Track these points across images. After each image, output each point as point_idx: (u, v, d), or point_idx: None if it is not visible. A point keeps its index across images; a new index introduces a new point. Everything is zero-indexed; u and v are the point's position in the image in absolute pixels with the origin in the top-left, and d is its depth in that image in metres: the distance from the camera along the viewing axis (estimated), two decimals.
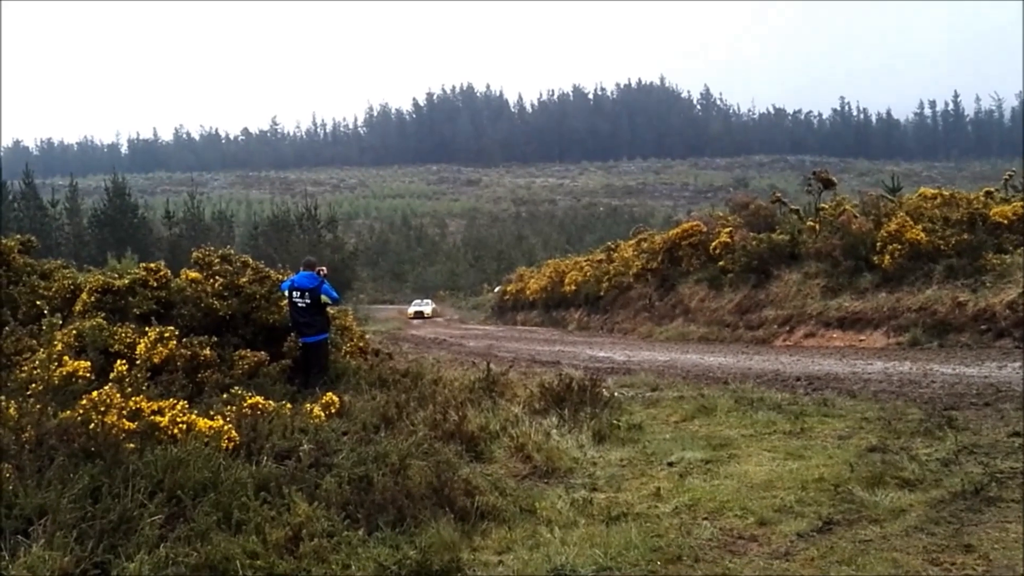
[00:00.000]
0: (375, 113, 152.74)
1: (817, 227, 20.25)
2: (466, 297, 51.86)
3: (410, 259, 68.94)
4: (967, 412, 7.12)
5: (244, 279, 9.68)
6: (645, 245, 25.94)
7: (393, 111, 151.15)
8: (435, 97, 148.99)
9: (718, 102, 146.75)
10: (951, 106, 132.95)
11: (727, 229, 22.27)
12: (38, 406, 5.13)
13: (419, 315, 45.27)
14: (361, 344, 11.31)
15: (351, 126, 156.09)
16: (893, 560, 3.94)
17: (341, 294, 30.41)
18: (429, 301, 49.15)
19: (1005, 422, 6.55)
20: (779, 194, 25.43)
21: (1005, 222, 16.79)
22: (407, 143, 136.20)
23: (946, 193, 19.28)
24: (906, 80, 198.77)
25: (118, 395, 5.43)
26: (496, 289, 45.03)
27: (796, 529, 4.50)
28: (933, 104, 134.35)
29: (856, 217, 19.33)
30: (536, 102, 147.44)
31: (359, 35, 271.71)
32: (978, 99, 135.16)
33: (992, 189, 19.43)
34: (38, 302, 8.55)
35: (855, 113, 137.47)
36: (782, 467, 5.75)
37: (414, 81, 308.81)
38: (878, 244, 17.70)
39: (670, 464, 6.14)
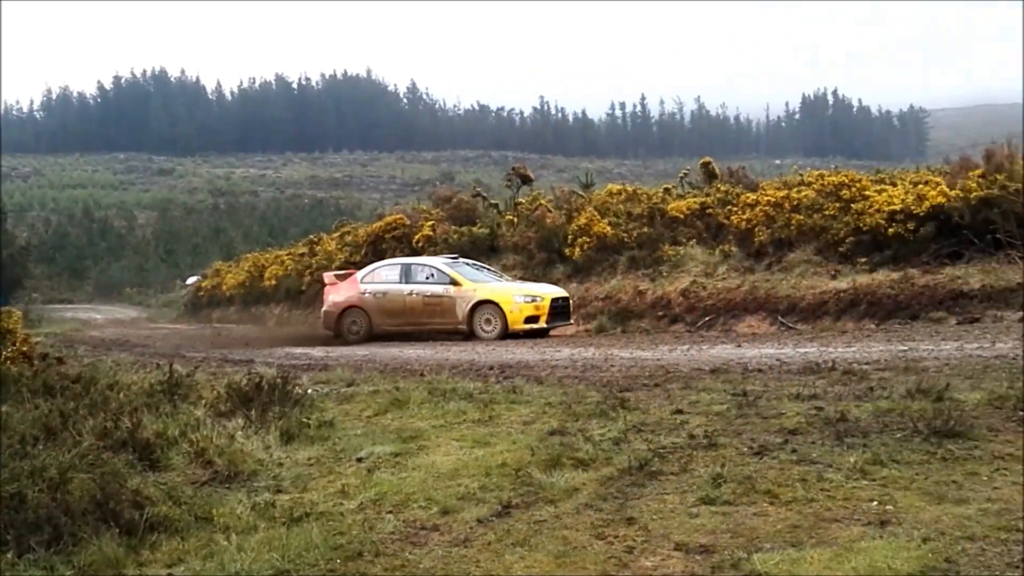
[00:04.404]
0: (54, 97, 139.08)
1: (515, 221, 21.14)
2: (156, 295, 48.36)
3: (92, 254, 63.12)
4: (639, 393, 7.64)
5: None
6: (349, 238, 25.75)
7: (75, 95, 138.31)
8: (123, 81, 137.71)
9: (424, 96, 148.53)
10: (639, 108, 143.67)
11: (430, 222, 22.64)
12: None
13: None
14: (25, 348, 10.19)
15: (25, 110, 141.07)
16: (563, 538, 4.12)
17: (10, 293, 27.14)
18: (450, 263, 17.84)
19: (671, 401, 7.08)
20: (479, 188, 26.29)
21: (680, 216, 18.43)
22: (91, 129, 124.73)
23: (629, 189, 20.87)
24: (599, 81, 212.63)
25: None
26: (190, 280, 41.81)
27: (477, 515, 4.58)
28: (623, 106, 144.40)
29: (550, 211, 20.42)
30: (236, 90, 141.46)
31: (36, 13, 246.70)
32: (662, 102, 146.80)
33: (670, 186, 21.23)
34: None
35: (554, 112, 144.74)
36: (469, 455, 5.85)
37: (101, 65, 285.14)
38: (569, 237, 18.81)
39: (359, 460, 6.05)
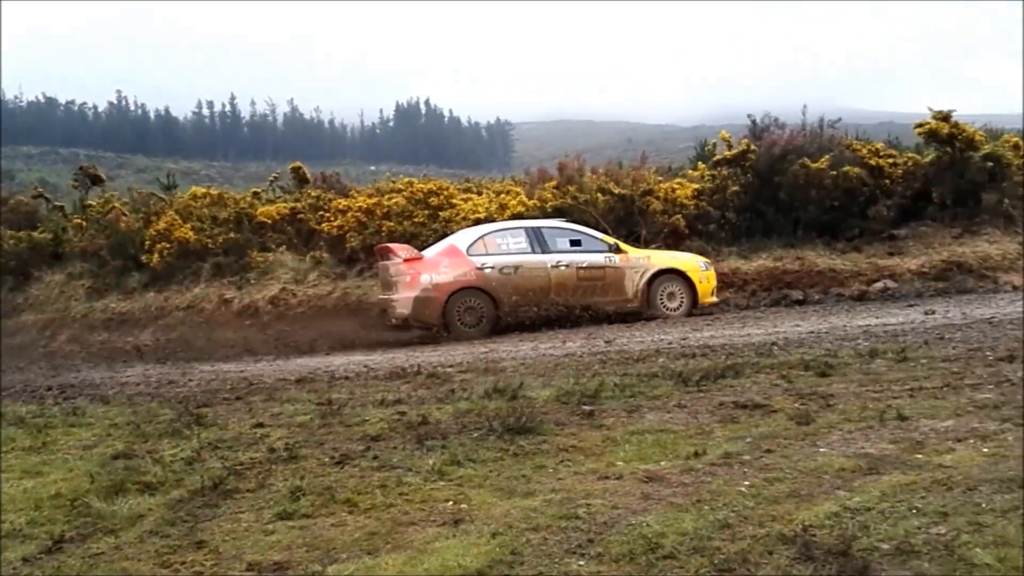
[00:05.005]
0: None
1: (84, 225, 19.33)
2: None
3: None
4: (218, 408, 7.24)
5: None
6: None
7: None
8: None
9: None
10: (228, 108, 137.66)
11: None
12: None
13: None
14: None
15: None
16: (123, 569, 3.70)
17: None
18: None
19: (252, 414, 6.79)
20: (42, 189, 23.72)
21: (269, 221, 17.99)
22: None
23: (215, 192, 19.94)
24: (183, 78, 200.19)
25: None
26: None
27: (23, 554, 3.99)
28: (211, 105, 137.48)
29: (125, 215, 18.91)
30: None
31: None
32: (253, 103, 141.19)
33: (260, 190, 20.62)
34: None
35: (134, 108, 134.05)
36: (16, 488, 5.12)
37: None
38: (147, 243, 17.54)
39: None
